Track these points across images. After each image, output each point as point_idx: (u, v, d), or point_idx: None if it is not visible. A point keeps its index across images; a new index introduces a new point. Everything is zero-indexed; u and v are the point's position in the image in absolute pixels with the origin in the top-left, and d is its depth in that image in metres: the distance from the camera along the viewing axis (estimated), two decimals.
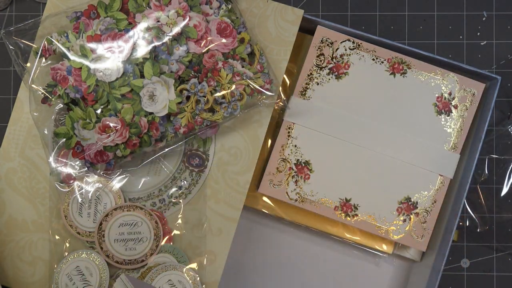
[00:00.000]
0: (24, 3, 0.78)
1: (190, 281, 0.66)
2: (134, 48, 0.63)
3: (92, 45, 0.64)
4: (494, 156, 0.76)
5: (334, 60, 0.71)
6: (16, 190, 0.68)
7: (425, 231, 0.71)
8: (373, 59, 0.71)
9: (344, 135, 0.71)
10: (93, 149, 0.63)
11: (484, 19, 0.78)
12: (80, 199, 0.67)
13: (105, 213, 0.67)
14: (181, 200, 0.68)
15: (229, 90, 0.64)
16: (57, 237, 0.67)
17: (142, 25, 0.64)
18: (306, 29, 0.73)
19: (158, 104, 0.63)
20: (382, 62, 0.71)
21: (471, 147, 0.72)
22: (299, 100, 0.71)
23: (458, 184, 0.71)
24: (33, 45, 0.67)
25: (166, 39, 0.64)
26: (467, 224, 0.76)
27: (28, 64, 0.67)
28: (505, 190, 0.76)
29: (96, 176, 0.67)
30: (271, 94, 0.66)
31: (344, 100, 0.71)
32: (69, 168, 0.66)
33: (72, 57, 0.64)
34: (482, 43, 0.78)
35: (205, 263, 0.67)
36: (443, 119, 0.71)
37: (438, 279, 0.68)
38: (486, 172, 0.76)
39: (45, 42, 0.65)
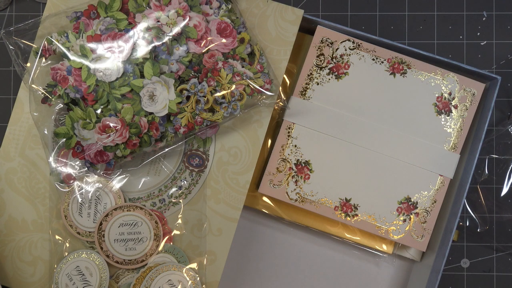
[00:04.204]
0: (24, 3, 0.78)
1: (190, 281, 0.66)
2: (134, 48, 0.63)
3: (92, 45, 0.64)
4: (494, 156, 0.76)
5: (334, 60, 0.71)
6: (16, 190, 0.68)
7: (425, 231, 0.71)
8: (373, 59, 0.71)
9: (344, 135, 0.71)
10: (93, 149, 0.63)
11: (484, 19, 0.78)
12: (80, 199, 0.67)
13: (105, 213, 0.67)
14: (181, 200, 0.68)
15: (229, 90, 0.64)
16: (57, 237, 0.67)
17: (142, 25, 0.64)
18: (306, 29, 0.73)
19: (158, 104, 0.63)
20: (382, 62, 0.71)
21: (471, 147, 0.72)
22: (299, 100, 0.71)
23: (458, 184, 0.71)
24: (33, 45, 0.67)
25: (166, 39, 0.64)
26: (467, 224, 0.76)
27: (28, 64, 0.67)
28: (505, 190, 0.76)
29: (96, 176, 0.67)
30: (271, 94, 0.66)
31: (344, 100, 0.71)
32: (69, 168, 0.66)
33: (72, 57, 0.64)
34: (482, 43, 0.78)
35: (205, 263, 0.67)
36: (443, 119, 0.71)
37: (438, 279, 0.68)
38: (486, 172, 0.76)
39: (45, 42, 0.65)
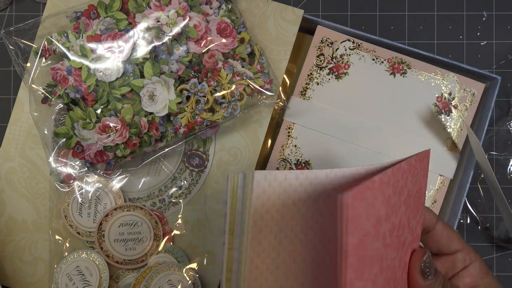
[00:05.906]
0: (24, 3, 0.78)
1: (190, 281, 0.66)
2: (134, 48, 0.63)
3: (92, 45, 0.64)
4: (494, 154, 0.76)
5: (334, 60, 0.71)
6: (16, 190, 0.68)
7: None
8: (373, 59, 0.71)
9: (344, 135, 0.71)
10: (93, 149, 0.63)
11: (484, 19, 0.78)
12: (80, 199, 0.67)
13: (105, 213, 0.67)
14: (181, 200, 0.68)
15: (229, 90, 0.64)
16: (57, 237, 0.67)
17: (142, 25, 0.64)
18: (306, 29, 0.73)
19: (158, 104, 0.63)
20: (382, 62, 0.71)
21: (471, 147, 0.71)
22: (299, 100, 0.71)
23: (458, 184, 0.71)
24: (33, 45, 0.67)
25: (166, 39, 0.64)
26: (468, 223, 0.76)
27: (28, 64, 0.67)
28: (505, 189, 0.76)
29: (96, 176, 0.67)
30: (271, 94, 0.66)
31: (344, 100, 0.71)
32: (69, 168, 0.66)
33: (72, 57, 0.64)
34: (482, 43, 0.78)
35: (205, 263, 0.67)
36: (443, 119, 0.71)
37: None
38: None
39: (45, 42, 0.65)
